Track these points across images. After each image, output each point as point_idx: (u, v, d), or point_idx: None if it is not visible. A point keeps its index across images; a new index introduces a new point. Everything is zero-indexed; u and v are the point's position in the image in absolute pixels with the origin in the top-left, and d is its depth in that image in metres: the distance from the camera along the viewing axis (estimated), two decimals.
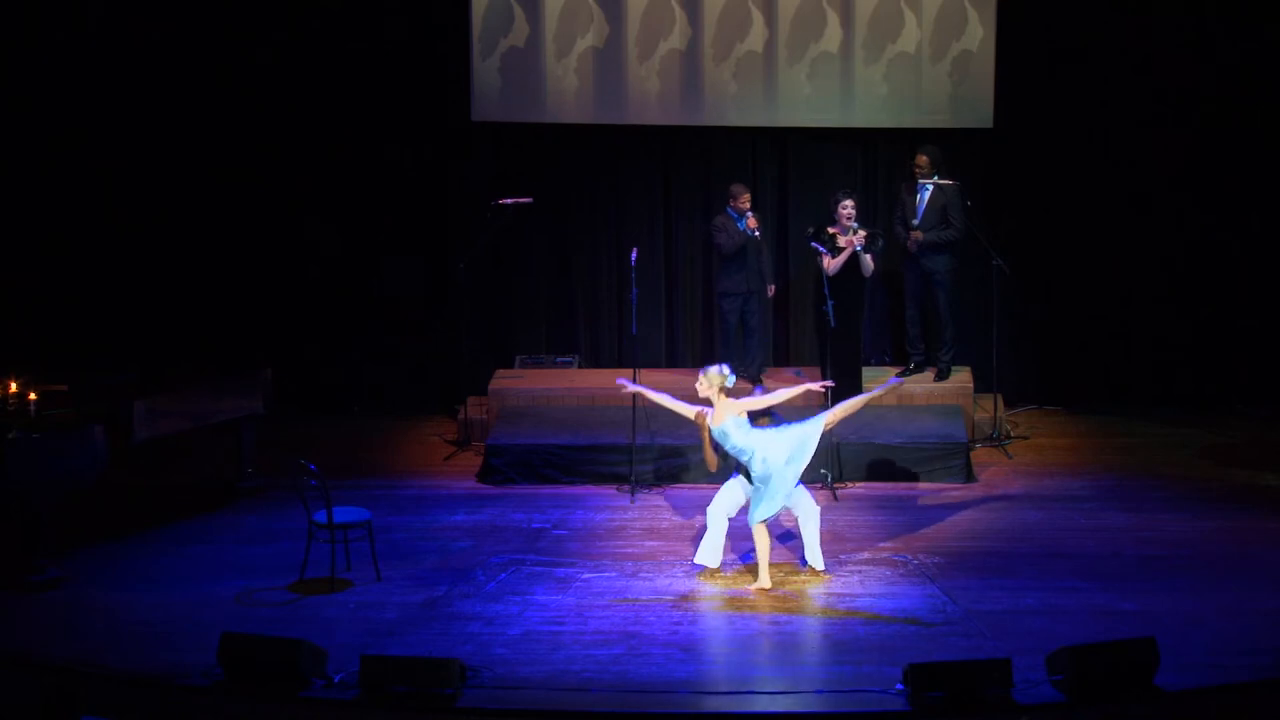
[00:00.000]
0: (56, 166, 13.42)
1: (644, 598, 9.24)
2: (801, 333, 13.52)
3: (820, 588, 9.36)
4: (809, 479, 11.36)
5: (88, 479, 9.75)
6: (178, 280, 13.54)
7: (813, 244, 11.99)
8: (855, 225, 12.07)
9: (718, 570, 9.56)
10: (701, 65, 13.21)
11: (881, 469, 11.59)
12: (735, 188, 12.46)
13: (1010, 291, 12.75)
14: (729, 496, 9.51)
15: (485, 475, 11.75)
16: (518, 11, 13.22)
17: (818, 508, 9.60)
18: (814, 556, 9.57)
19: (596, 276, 13.76)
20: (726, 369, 9.44)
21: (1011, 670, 7.76)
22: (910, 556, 9.91)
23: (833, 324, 11.41)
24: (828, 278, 11.68)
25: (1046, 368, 13.58)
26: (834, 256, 11.93)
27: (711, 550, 9.52)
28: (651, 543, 10.28)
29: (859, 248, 11.95)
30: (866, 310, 12.47)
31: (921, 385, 12.69)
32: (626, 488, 11.42)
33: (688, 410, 9.54)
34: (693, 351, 13.68)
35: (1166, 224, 13.38)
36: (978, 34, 13.11)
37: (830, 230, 12.07)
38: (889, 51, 13.15)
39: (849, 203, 12.15)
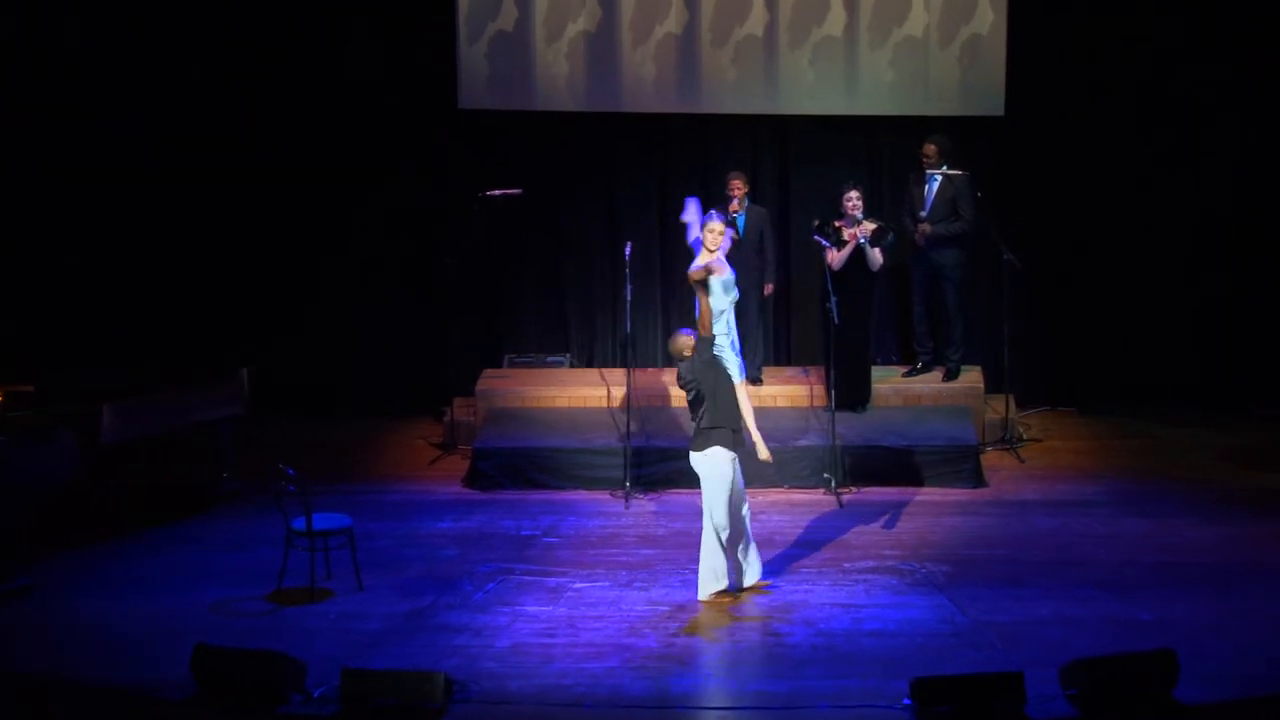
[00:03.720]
0: (23, 160, 13.39)
1: (639, 608, 9.24)
2: (805, 331, 13.52)
3: (823, 597, 9.36)
4: (811, 484, 11.43)
5: (58, 484, 9.74)
6: (151, 276, 13.52)
7: (815, 237, 12.00)
8: (861, 218, 12.08)
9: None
10: (699, 50, 13.20)
11: (887, 473, 11.59)
12: (728, 176, 12.45)
13: (1022, 287, 12.75)
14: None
15: (472, 480, 11.75)
16: None
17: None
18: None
19: (589, 272, 13.75)
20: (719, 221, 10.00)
21: (1024, 684, 7.77)
22: (917, 565, 9.91)
23: (836, 321, 11.40)
24: (832, 273, 11.68)
25: (1060, 367, 13.58)
26: (838, 250, 11.94)
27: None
28: (646, 551, 10.28)
29: (863, 240, 11.95)
30: (874, 307, 12.45)
31: (929, 385, 12.70)
32: (620, 493, 11.42)
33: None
34: None
35: (1186, 218, 13.38)
36: (988, 17, 13.10)
37: (835, 223, 12.07)
38: (895, 36, 13.15)
39: (854, 194, 12.15)
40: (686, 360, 9.30)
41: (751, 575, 9.40)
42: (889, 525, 10.73)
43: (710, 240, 9.89)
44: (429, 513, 11.10)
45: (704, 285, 9.82)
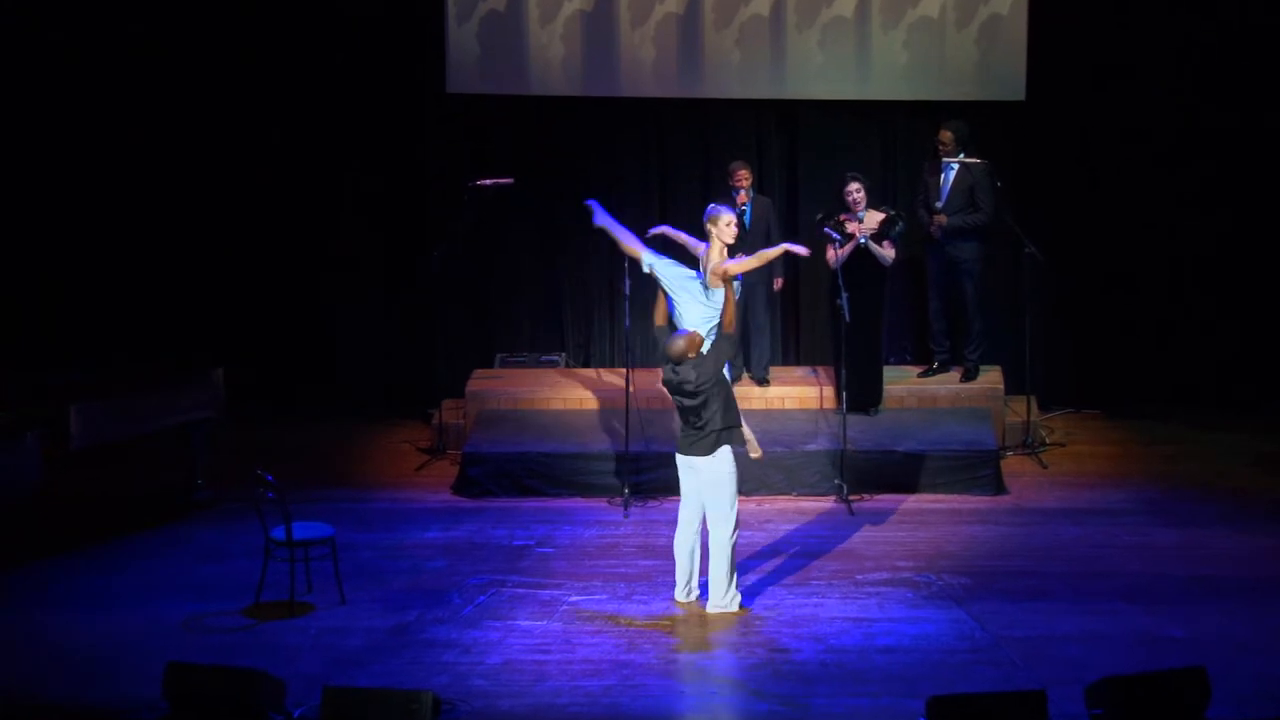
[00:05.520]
0: None
1: (638, 623, 9.25)
2: (814, 330, 13.52)
3: (834, 611, 9.37)
4: (820, 491, 11.44)
5: (20, 492, 9.74)
6: (121, 272, 13.54)
7: (826, 230, 12.00)
8: (861, 216, 12.07)
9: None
10: (701, 31, 13.21)
11: (902, 480, 11.60)
12: (732, 165, 12.46)
13: (1044, 282, 12.77)
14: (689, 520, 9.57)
15: (462, 487, 11.76)
16: None
17: (729, 531, 9.38)
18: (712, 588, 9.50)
19: (585, 266, 13.76)
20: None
21: (1046, 703, 7.75)
22: (934, 577, 9.93)
23: (847, 319, 11.41)
24: (842, 268, 11.66)
25: (1085, 367, 13.59)
26: (842, 245, 11.93)
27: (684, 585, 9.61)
28: (646, 562, 10.29)
29: (863, 239, 11.94)
30: (887, 304, 12.45)
31: (946, 386, 12.72)
32: (619, 500, 11.44)
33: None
34: None
35: (1218, 210, 13.39)
36: None
37: (840, 217, 12.08)
38: (909, 16, 13.16)
39: (855, 185, 12.14)
40: (690, 361, 9.30)
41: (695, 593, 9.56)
42: (903, 535, 10.74)
43: (728, 234, 9.83)
44: (415, 521, 11.11)
45: (733, 281, 9.82)
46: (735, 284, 9.75)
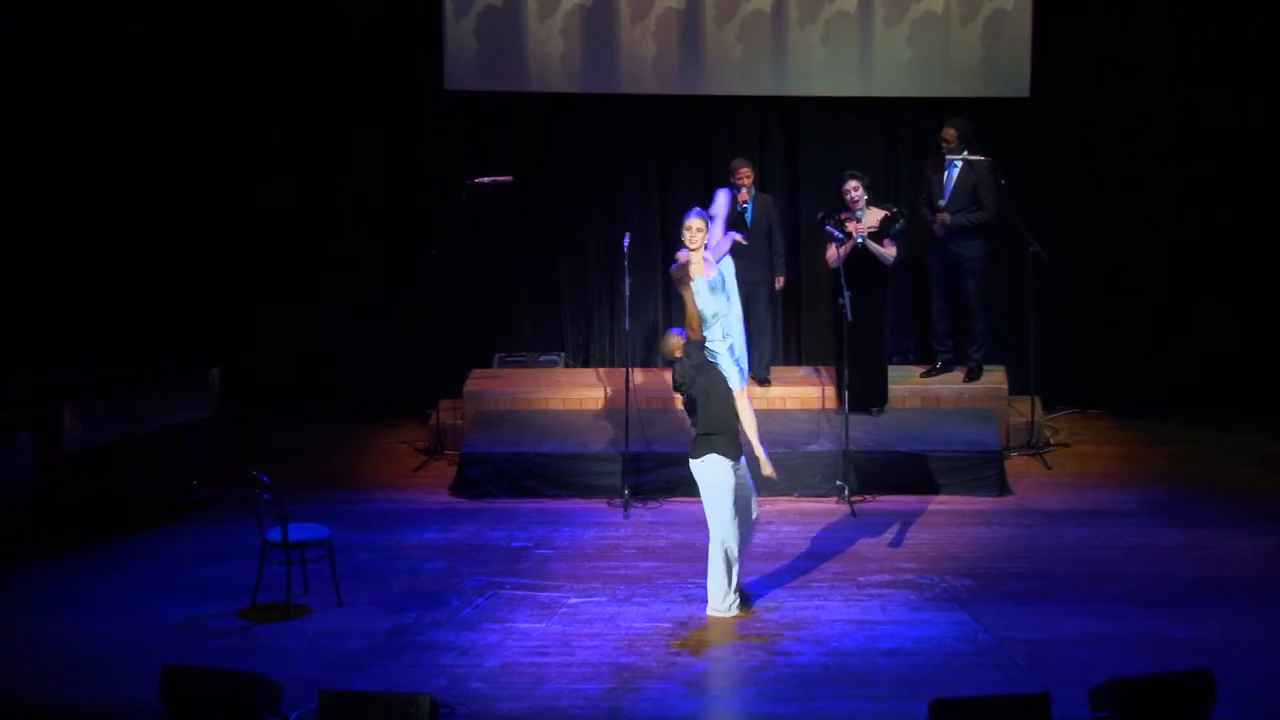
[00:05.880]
0: None
1: (638, 625, 9.25)
2: (816, 329, 13.50)
3: (836, 613, 9.37)
4: (822, 492, 11.43)
5: (15, 493, 9.74)
6: (121, 271, 13.53)
7: (827, 228, 11.99)
8: (861, 214, 12.06)
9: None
10: (702, 26, 13.20)
11: (904, 480, 11.59)
12: (734, 163, 12.44)
13: (1049, 280, 12.74)
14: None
15: (460, 488, 11.76)
16: None
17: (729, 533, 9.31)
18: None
19: (585, 265, 13.75)
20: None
21: (1050, 706, 7.75)
22: (937, 579, 9.92)
23: (849, 318, 11.40)
24: (844, 266, 11.65)
25: (1090, 366, 13.57)
26: (843, 244, 11.92)
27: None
28: (647, 563, 10.28)
29: (860, 239, 11.92)
30: (890, 303, 12.44)
31: (949, 386, 12.71)
32: (619, 502, 11.43)
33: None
34: None
35: (1225, 208, 13.37)
36: None
37: (841, 216, 12.07)
38: (913, 11, 13.14)
39: (853, 184, 12.12)
40: (678, 361, 9.35)
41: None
42: (906, 536, 10.73)
43: (688, 238, 9.70)
44: (413, 523, 11.10)
45: (687, 285, 9.69)
46: (714, 286, 9.59)
